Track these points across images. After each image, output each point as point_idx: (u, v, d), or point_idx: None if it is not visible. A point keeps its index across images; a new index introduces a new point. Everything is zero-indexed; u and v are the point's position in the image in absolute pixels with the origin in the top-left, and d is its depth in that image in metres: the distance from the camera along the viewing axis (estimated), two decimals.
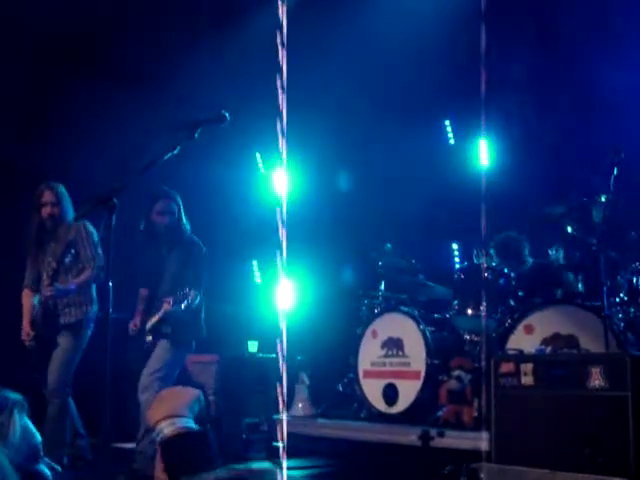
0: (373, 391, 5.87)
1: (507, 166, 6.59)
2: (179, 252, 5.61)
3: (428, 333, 5.72)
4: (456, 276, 5.90)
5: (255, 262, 8.55)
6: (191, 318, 5.51)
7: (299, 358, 6.46)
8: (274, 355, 6.86)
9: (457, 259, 7.45)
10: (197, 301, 5.44)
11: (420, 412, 5.57)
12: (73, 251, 5.55)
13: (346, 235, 7.33)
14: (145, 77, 7.14)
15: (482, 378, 4.64)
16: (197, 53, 7.29)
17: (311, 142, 6.59)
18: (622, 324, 4.94)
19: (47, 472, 2.11)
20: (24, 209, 5.78)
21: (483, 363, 4.97)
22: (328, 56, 7.00)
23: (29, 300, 5.56)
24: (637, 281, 5.10)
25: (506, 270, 5.69)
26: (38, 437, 2.00)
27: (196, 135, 3.63)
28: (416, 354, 5.72)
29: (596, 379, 3.96)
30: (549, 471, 3.98)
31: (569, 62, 6.40)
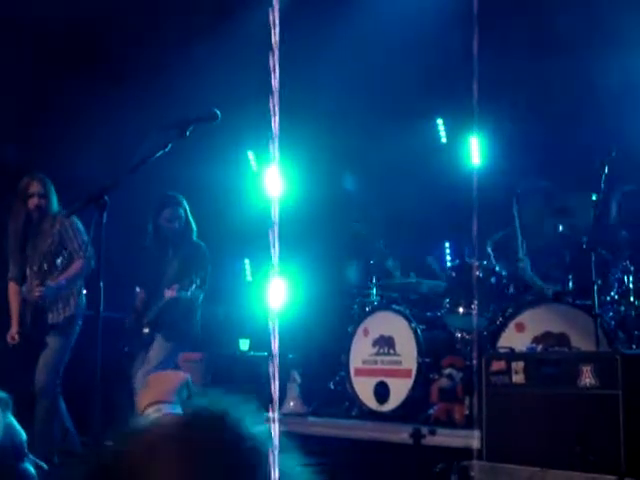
0: (364, 389, 5.88)
1: (499, 165, 6.60)
2: (184, 253, 5.64)
3: (419, 331, 5.73)
4: (448, 274, 5.92)
5: (247, 260, 8.55)
6: (189, 315, 5.53)
7: (291, 356, 6.46)
8: (265, 353, 6.88)
9: (449, 257, 7.47)
10: (201, 298, 5.47)
11: (411, 410, 5.58)
12: (59, 245, 5.43)
13: (338, 233, 7.33)
14: (136, 76, 7.12)
15: (473, 376, 4.65)
16: (190, 52, 7.27)
17: (303, 141, 6.58)
18: (613, 322, 4.96)
19: (32, 471, 2.10)
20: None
21: (474, 361, 4.98)
22: (320, 56, 7.00)
23: (16, 297, 5.46)
24: (628, 280, 5.12)
25: (497, 268, 5.70)
26: (23, 435, 1.99)
27: (187, 133, 3.62)
28: (407, 352, 5.73)
29: (587, 377, 3.97)
30: (540, 469, 3.99)
31: (561, 61, 6.41)
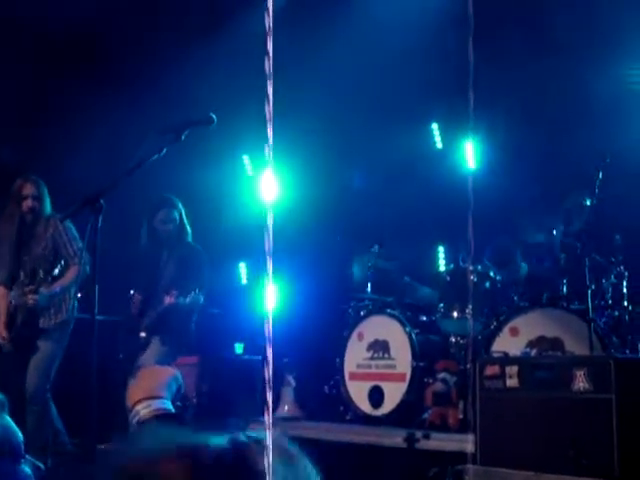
0: (359, 393, 5.88)
1: (494, 170, 6.61)
2: (179, 256, 5.61)
3: (414, 335, 5.73)
4: (442, 279, 5.93)
5: (242, 264, 8.55)
6: (186, 320, 5.52)
7: (285, 360, 6.46)
8: (260, 357, 6.87)
9: (443, 261, 7.47)
10: (201, 302, 5.46)
11: (405, 414, 5.58)
12: (53, 249, 5.35)
13: (333, 237, 7.33)
14: (134, 79, 7.12)
15: (467, 380, 4.65)
16: (187, 55, 7.27)
17: (299, 145, 6.59)
18: (606, 327, 4.98)
19: (29, 472, 2.09)
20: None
21: (468, 365, 4.99)
22: (316, 61, 7.01)
23: (4, 301, 5.39)
24: (621, 284, 5.14)
25: (492, 273, 5.72)
26: (20, 436, 1.98)
27: (183, 137, 3.62)
28: (402, 356, 5.73)
29: (580, 382, 3.98)
30: (534, 473, 3.99)
31: (556, 67, 6.43)
